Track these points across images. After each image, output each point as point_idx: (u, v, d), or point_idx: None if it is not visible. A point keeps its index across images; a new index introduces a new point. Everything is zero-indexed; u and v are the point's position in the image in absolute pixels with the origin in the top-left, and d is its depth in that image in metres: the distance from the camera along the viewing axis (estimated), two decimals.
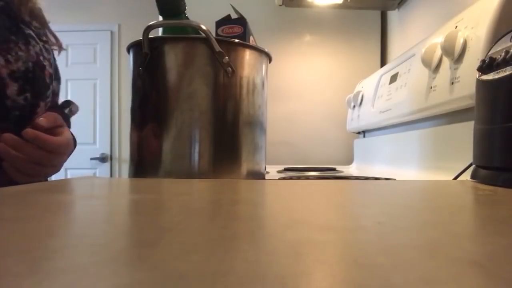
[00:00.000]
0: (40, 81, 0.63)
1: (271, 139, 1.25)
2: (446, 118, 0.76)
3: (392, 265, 0.13)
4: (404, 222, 0.22)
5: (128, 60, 0.67)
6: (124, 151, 2.95)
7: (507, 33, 0.45)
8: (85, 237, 0.17)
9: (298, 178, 0.75)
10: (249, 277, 0.12)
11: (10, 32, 0.60)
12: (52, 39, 0.70)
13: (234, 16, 0.71)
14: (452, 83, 0.67)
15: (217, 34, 0.68)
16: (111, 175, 2.95)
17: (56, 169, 0.64)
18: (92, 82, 2.96)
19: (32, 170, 0.59)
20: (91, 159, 2.95)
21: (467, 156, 0.51)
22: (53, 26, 0.71)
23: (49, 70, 0.66)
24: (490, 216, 0.24)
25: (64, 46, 0.74)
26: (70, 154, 0.67)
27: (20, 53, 0.60)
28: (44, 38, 0.67)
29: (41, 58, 0.64)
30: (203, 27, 0.58)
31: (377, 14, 1.50)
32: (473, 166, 0.48)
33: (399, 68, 0.97)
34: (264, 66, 0.67)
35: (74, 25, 2.86)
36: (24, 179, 0.58)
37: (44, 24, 0.69)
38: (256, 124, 0.64)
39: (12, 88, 0.58)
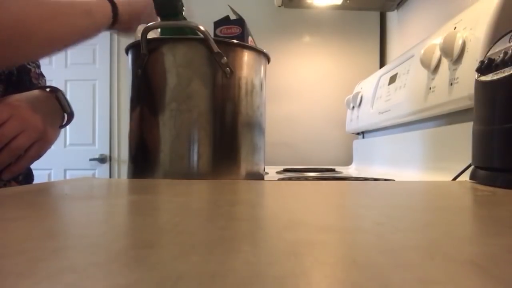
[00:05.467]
0: (23, 83, 0.64)
1: (270, 140, 1.26)
2: (445, 119, 0.76)
3: (391, 266, 0.13)
4: (403, 223, 0.22)
5: (127, 61, 0.67)
6: (123, 152, 2.95)
7: (506, 34, 0.45)
8: (84, 237, 0.17)
9: (298, 179, 0.75)
10: (249, 278, 0.12)
11: None
12: None
13: (232, 17, 0.71)
14: (451, 84, 0.67)
15: (215, 34, 0.68)
16: (110, 176, 2.94)
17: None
18: (91, 83, 2.96)
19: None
20: (90, 160, 2.94)
21: (466, 157, 0.51)
22: None
23: (36, 70, 0.67)
24: (489, 217, 0.24)
25: None
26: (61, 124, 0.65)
27: None
28: None
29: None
30: (202, 27, 0.58)
31: (376, 15, 1.50)
32: (472, 167, 0.48)
33: (398, 69, 0.97)
34: (262, 67, 0.67)
35: None
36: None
37: None
38: (255, 125, 0.64)
39: None
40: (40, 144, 0.59)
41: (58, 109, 0.66)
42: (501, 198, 0.32)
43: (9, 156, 0.56)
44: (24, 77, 0.64)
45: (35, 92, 0.63)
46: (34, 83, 0.66)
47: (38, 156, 0.60)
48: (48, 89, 0.67)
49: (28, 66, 0.65)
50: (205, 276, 0.12)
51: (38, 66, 0.68)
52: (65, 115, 0.69)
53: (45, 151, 0.61)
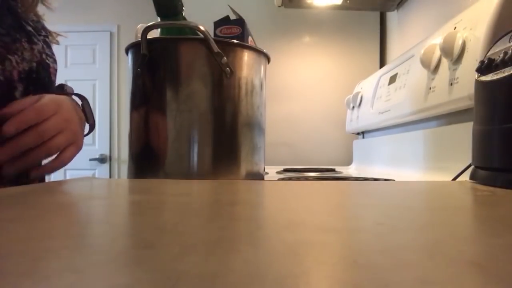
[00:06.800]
0: (43, 80, 0.61)
1: (270, 140, 1.25)
2: (445, 119, 0.76)
3: (391, 266, 0.13)
4: (403, 223, 0.22)
5: (127, 61, 0.67)
6: (123, 152, 2.95)
7: (506, 34, 0.45)
8: (84, 238, 0.17)
9: (298, 179, 0.75)
10: (248, 278, 0.12)
11: (15, 30, 0.57)
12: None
13: (232, 17, 0.71)
14: (451, 84, 0.67)
15: (215, 34, 0.68)
16: (110, 176, 2.95)
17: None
18: (91, 83, 2.96)
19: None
20: (90, 160, 2.95)
21: (466, 157, 0.51)
22: (52, 27, 0.71)
23: (54, 66, 0.64)
24: (489, 216, 0.24)
25: (59, 39, 0.70)
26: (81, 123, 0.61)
27: (25, 53, 0.57)
28: (44, 32, 0.65)
29: (44, 56, 0.61)
30: (202, 27, 0.58)
31: (376, 15, 1.50)
32: (472, 167, 0.48)
33: (398, 69, 0.97)
34: (262, 67, 0.67)
35: (73, 26, 2.86)
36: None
37: (39, 17, 0.66)
38: (255, 125, 0.64)
39: (19, 90, 0.56)
40: (73, 149, 0.57)
41: (83, 118, 0.64)
42: (501, 198, 0.32)
43: (46, 153, 0.54)
44: (43, 74, 0.60)
45: (64, 98, 0.60)
46: (52, 80, 0.63)
47: (69, 160, 0.57)
48: (74, 96, 0.64)
49: (47, 61, 0.62)
50: (205, 276, 0.12)
51: (55, 61, 0.65)
52: (88, 125, 0.66)
53: (74, 156, 0.58)
